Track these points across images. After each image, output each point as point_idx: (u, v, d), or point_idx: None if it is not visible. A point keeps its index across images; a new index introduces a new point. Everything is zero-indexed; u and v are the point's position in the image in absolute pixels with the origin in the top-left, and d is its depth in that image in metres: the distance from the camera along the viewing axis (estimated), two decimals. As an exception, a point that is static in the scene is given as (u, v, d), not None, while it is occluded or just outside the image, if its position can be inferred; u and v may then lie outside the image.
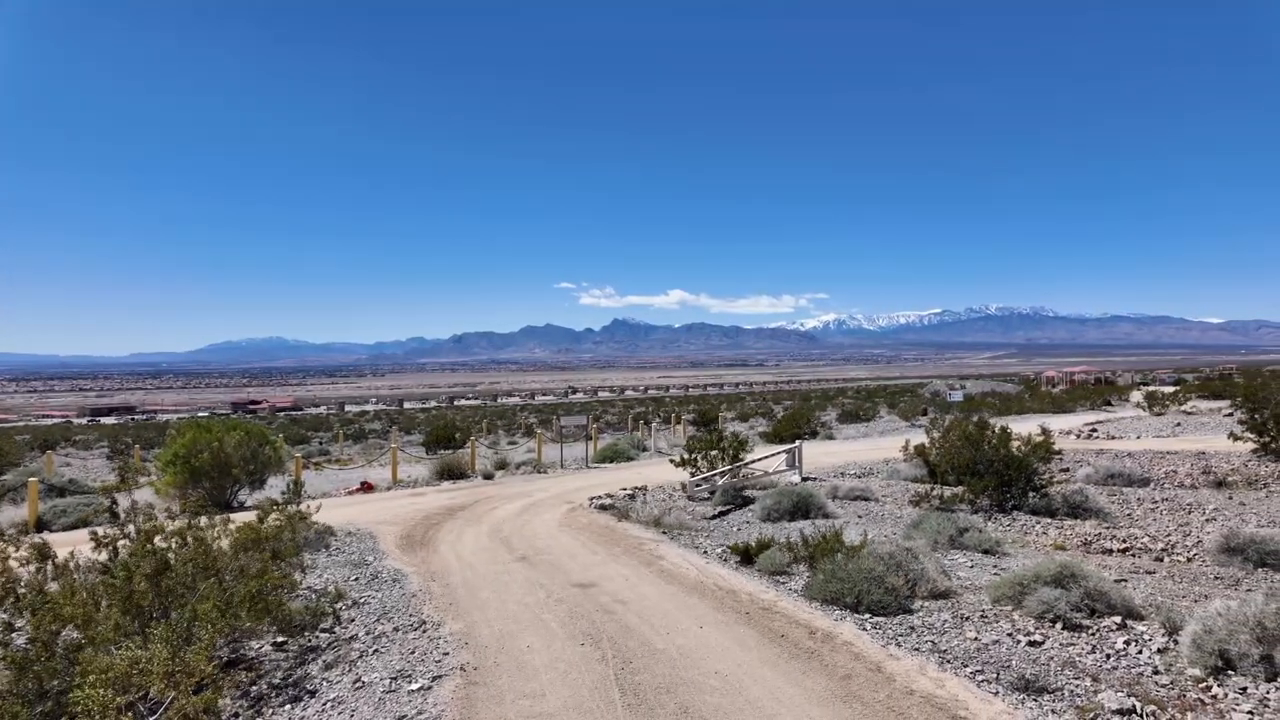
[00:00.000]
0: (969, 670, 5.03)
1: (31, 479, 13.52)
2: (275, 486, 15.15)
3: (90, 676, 3.60)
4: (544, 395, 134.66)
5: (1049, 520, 10.39)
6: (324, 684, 5.16)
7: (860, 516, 10.75)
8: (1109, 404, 39.85)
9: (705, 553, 8.82)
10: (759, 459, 14.68)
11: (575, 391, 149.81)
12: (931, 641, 5.59)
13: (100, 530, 5.64)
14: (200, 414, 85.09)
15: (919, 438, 13.95)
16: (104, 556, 5.45)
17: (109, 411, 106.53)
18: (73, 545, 6.17)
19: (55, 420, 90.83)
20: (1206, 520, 10.22)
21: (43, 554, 5.06)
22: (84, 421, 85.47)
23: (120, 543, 5.50)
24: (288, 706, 4.84)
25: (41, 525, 12.45)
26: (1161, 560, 8.63)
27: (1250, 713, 4.35)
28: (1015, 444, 11.20)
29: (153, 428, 56.34)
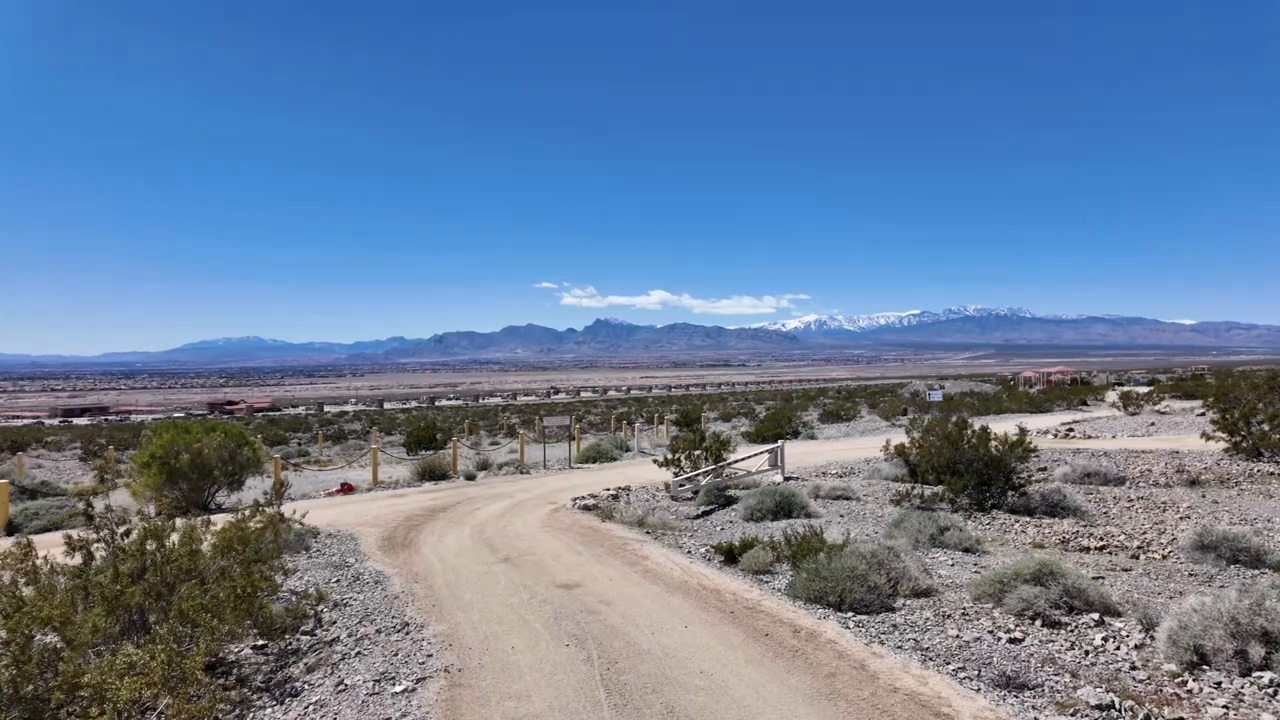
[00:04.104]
0: (951, 667, 5.08)
1: (1, 481, 13.24)
2: (254, 488, 14.98)
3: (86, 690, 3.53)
4: (526, 395, 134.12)
5: (1028, 519, 10.51)
6: (306, 686, 5.10)
7: (842, 515, 10.82)
8: (1085, 404, 40.48)
9: (689, 552, 8.84)
10: (742, 459, 14.74)
11: (558, 392, 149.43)
12: (914, 639, 5.64)
13: (75, 533, 5.53)
14: (176, 415, 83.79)
15: (899, 437, 14.06)
16: (78, 560, 5.34)
17: (82, 412, 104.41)
18: (45, 549, 6.05)
19: (26, 421, 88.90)
20: (1181, 518, 10.40)
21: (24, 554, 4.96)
22: (56, 422, 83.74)
23: (95, 546, 5.39)
24: (270, 709, 4.78)
25: (12, 528, 12.20)
26: (1137, 558, 8.77)
27: (1225, 707, 4.43)
28: (994, 443, 11.33)
29: (127, 429, 55.39)
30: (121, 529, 5.59)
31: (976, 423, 12.51)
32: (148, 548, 5.28)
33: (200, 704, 3.84)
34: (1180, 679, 4.81)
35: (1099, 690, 4.60)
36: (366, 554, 9.29)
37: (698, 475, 13.29)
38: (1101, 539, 9.45)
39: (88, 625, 4.16)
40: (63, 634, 4.20)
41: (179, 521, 5.92)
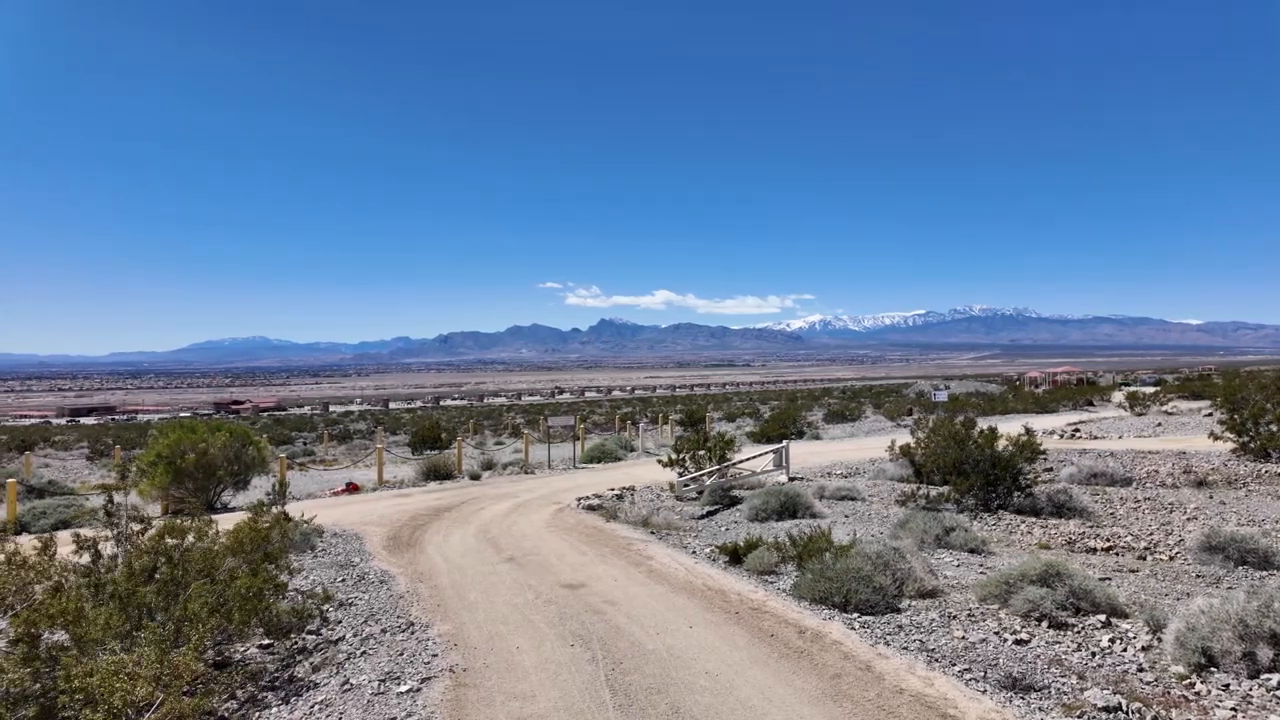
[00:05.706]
0: (957, 669, 5.07)
1: (10, 480, 13.31)
2: (259, 487, 15.01)
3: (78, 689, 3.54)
4: (531, 395, 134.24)
5: (1034, 519, 10.47)
6: (311, 686, 5.11)
7: (847, 516, 10.80)
8: (1091, 404, 40.28)
9: (694, 553, 8.83)
10: (746, 459, 14.72)
11: (562, 392, 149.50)
12: (919, 640, 5.63)
13: (83, 532, 5.56)
14: (182, 414, 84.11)
15: (904, 438, 14.03)
16: (86, 559, 5.36)
17: (89, 412, 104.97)
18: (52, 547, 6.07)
19: (33, 421, 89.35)
20: (1188, 519, 10.34)
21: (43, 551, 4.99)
22: (63, 422, 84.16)
23: (105, 544, 5.42)
24: (275, 708, 4.79)
25: (21, 527, 12.26)
26: (1144, 559, 8.73)
27: (1233, 709, 4.41)
28: (1001, 443, 11.29)
29: (134, 428, 55.64)
30: (138, 527, 5.62)
31: (982, 423, 12.47)
32: (165, 544, 5.30)
33: (194, 699, 3.84)
34: (1188, 681, 4.78)
35: (1106, 692, 4.58)
36: (371, 553, 9.31)
37: (702, 475, 13.27)
38: (1108, 540, 9.41)
39: (100, 622, 4.17)
40: (72, 632, 4.21)
41: (191, 521, 5.94)
